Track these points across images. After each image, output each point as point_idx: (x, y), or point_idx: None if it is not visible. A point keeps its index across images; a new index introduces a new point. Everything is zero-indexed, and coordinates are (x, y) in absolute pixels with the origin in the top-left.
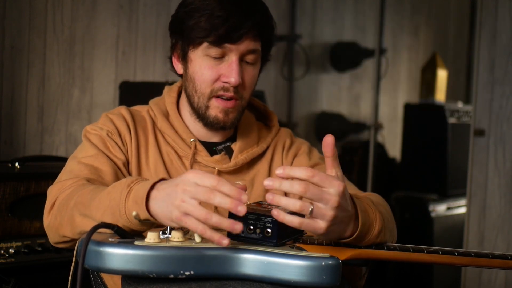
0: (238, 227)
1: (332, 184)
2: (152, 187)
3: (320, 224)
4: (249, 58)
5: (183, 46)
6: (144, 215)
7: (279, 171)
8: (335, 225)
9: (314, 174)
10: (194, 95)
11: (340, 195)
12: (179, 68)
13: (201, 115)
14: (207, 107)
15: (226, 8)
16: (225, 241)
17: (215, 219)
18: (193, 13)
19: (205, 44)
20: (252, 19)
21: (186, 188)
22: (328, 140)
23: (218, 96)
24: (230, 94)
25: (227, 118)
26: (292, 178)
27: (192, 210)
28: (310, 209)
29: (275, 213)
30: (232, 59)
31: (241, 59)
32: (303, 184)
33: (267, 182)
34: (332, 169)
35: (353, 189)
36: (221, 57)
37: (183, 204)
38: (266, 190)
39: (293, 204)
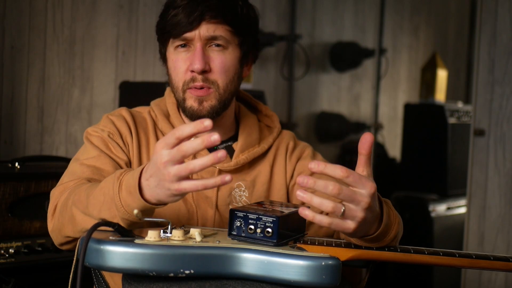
0: (220, 154)
1: (365, 186)
2: (140, 175)
3: (350, 225)
4: (216, 42)
5: (161, 48)
6: (140, 204)
7: (313, 165)
8: (363, 225)
9: (349, 174)
10: (175, 92)
11: (372, 196)
12: (166, 70)
13: (182, 108)
14: (184, 99)
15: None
16: (228, 177)
17: (198, 162)
18: (163, 13)
19: (171, 40)
20: (204, 3)
21: (164, 161)
22: (367, 138)
23: (190, 88)
24: (199, 83)
25: (201, 107)
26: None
27: (182, 172)
28: (342, 210)
29: (304, 212)
30: (196, 46)
31: (208, 46)
32: (337, 186)
33: (301, 179)
34: (364, 168)
35: None
36: (188, 48)
37: (172, 176)
38: (267, 192)
39: (326, 205)
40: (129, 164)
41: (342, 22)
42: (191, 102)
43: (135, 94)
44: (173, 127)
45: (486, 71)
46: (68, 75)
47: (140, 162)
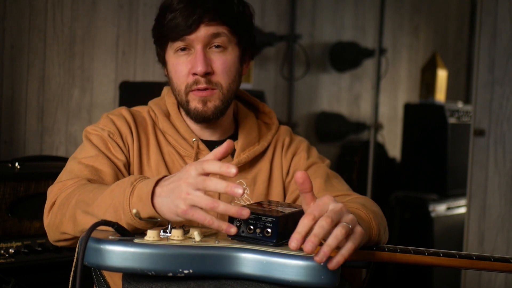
0: (245, 212)
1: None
2: (156, 184)
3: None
4: (216, 43)
5: (160, 51)
6: (149, 211)
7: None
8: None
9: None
10: (176, 94)
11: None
12: (166, 73)
13: (186, 110)
14: (187, 101)
15: (182, 1)
16: (233, 229)
17: (222, 206)
18: (160, 17)
19: (170, 43)
20: (201, 6)
21: (190, 181)
22: (301, 177)
23: (193, 91)
24: (202, 85)
25: (206, 108)
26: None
27: (199, 201)
28: (349, 227)
29: (333, 264)
30: (196, 48)
31: (209, 47)
32: (329, 217)
33: (300, 229)
34: (311, 204)
35: (346, 190)
36: (189, 51)
37: (188, 197)
38: (267, 189)
39: (339, 235)
40: (127, 165)
41: (342, 22)
42: (195, 104)
43: (135, 94)
44: (173, 126)
45: (486, 71)
46: (68, 75)
47: (140, 162)
